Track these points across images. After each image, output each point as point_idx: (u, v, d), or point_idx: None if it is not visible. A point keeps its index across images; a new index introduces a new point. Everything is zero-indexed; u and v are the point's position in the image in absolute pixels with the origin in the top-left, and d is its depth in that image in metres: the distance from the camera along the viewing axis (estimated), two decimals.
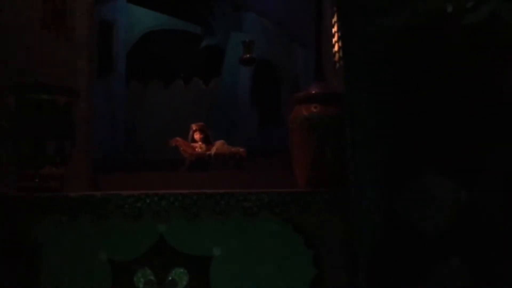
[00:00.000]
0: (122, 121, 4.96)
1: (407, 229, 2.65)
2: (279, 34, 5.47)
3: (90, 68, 3.42)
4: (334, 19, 3.96)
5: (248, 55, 5.24)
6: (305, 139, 3.11)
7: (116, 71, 4.86)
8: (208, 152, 4.03)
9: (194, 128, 4.22)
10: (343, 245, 2.88)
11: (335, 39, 3.93)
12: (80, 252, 2.74)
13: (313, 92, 3.16)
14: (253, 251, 2.86)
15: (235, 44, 5.68)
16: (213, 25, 5.71)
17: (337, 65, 3.89)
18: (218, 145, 4.06)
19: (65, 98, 2.92)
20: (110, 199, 2.74)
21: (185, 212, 2.81)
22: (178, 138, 4.10)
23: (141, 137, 5.32)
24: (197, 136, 4.19)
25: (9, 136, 2.83)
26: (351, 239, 2.81)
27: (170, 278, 2.81)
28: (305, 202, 2.89)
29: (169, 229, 2.82)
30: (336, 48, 3.90)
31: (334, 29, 3.95)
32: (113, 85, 4.68)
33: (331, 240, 2.90)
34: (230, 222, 2.85)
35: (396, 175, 2.73)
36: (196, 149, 4.10)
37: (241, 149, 4.11)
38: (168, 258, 2.82)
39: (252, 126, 5.54)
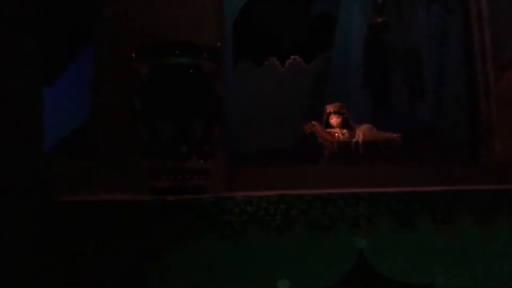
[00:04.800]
0: (232, 108, 4.21)
1: None
2: None
3: (220, 25, 2.67)
4: None
5: (380, 19, 4.45)
6: None
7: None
8: (354, 140, 3.23)
9: (329, 111, 3.44)
10: None
11: None
12: (251, 279, 1.99)
13: None
14: (492, 275, 2.06)
15: (346, 11, 4.90)
16: None
17: None
18: (365, 130, 3.26)
19: (210, 63, 2.17)
20: (289, 202, 1.98)
21: (393, 220, 2.03)
22: (315, 123, 3.32)
23: (233, 126, 4.58)
24: (333, 120, 3.40)
25: (141, 118, 2.10)
26: None
27: None
28: None
29: (372, 244, 2.04)
30: None
31: None
32: None
33: None
34: (457, 232, 2.06)
35: None
36: (337, 136, 3.31)
37: (395, 135, 3.30)
38: (372, 286, 2.06)
39: (365, 111, 4.74)
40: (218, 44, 2.63)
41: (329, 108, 3.45)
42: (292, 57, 5.20)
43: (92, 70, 2.74)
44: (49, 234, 1.75)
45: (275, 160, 3.61)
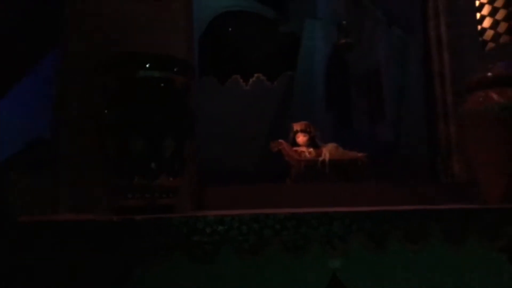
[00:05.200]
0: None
1: None
2: (359, 18, 4.77)
3: (189, 39, 2.62)
4: None
5: (344, 40, 4.52)
6: (502, 136, 2.36)
7: None
8: (320, 159, 3.23)
9: (295, 129, 3.43)
10: None
11: (484, 12, 3.22)
12: None
13: None
14: None
15: (310, 32, 4.96)
16: (289, 9, 4.98)
17: (488, 45, 3.17)
18: (331, 149, 3.27)
19: (183, 77, 2.11)
20: (263, 221, 1.93)
21: (366, 239, 2.01)
22: (281, 141, 3.30)
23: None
24: (300, 138, 3.39)
25: (108, 133, 2.00)
26: None
27: None
28: None
29: (345, 265, 2.02)
30: (487, 24, 3.19)
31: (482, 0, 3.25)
32: None
33: None
34: (429, 251, 2.07)
35: None
36: (303, 155, 3.30)
37: (360, 154, 3.33)
38: None
39: (328, 130, 4.77)
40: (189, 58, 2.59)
41: (296, 126, 3.45)
42: (255, 75, 5.22)
43: (50, 80, 2.63)
44: (8, 255, 1.62)
45: (238, 179, 3.56)
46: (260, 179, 3.66)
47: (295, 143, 3.42)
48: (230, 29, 5.11)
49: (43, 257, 1.67)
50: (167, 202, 2.06)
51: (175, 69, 2.06)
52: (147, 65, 1.99)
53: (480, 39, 3.17)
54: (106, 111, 2.00)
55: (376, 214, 2.03)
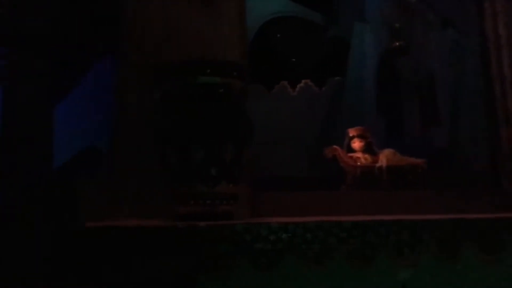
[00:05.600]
0: None
1: None
2: (409, 21, 4.63)
3: (242, 44, 2.58)
4: None
5: (397, 43, 4.39)
6: None
7: None
8: (377, 165, 3.11)
9: (351, 134, 3.32)
10: None
11: None
12: None
13: None
14: None
15: (359, 36, 4.85)
16: (338, 13, 4.90)
17: None
18: (388, 155, 3.15)
19: (240, 82, 2.08)
20: (328, 229, 1.85)
21: (438, 249, 1.90)
22: (336, 147, 3.21)
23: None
24: (356, 144, 3.28)
25: (169, 141, 1.98)
26: None
27: None
28: None
29: (415, 275, 1.91)
30: None
31: None
32: None
33: None
34: (502, 263, 1.93)
35: None
36: (359, 161, 3.19)
37: (419, 160, 3.18)
38: None
39: (379, 138, 4.61)
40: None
41: (352, 131, 3.33)
42: (303, 81, 5.13)
43: (105, 89, 2.66)
44: (78, 260, 1.61)
45: (289, 185, 3.48)
46: (311, 185, 3.58)
47: (350, 149, 3.32)
48: (278, 35, 5.06)
49: (109, 261, 1.66)
50: (227, 208, 2.02)
51: (234, 74, 2.03)
52: (208, 71, 1.97)
53: None
54: (166, 119, 1.99)
55: (447, 223, 1.93)
